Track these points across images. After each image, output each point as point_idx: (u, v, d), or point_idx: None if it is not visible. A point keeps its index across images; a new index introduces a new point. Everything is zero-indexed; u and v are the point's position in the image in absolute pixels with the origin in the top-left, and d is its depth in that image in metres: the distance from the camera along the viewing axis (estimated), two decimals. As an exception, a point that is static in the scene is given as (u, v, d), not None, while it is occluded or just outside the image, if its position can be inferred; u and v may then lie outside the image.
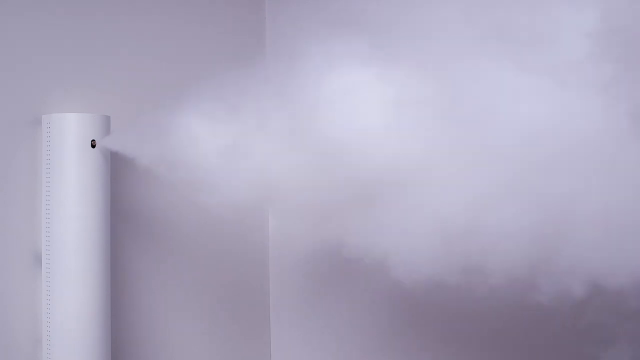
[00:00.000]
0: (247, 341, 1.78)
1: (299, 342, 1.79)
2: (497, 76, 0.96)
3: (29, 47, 1.41)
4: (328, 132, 1.09)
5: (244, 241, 1.77)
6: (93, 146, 1.36)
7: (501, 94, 0.96)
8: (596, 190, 0.91)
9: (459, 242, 1.00)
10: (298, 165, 1.12)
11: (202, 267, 1.69)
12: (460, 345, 1.59)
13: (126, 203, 1.53)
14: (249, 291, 1.79)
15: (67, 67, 1.46)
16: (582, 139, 0.91)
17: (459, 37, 1.00)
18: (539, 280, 0.97)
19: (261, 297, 1.81)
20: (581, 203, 0.92)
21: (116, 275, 1.50)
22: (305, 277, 1.77)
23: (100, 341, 1.37)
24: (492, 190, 0.96)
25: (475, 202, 0.97)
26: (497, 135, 0.95)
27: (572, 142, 0.92)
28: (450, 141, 0.99)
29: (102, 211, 1.38)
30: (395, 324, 1.67)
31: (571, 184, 0.92)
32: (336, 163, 1.09)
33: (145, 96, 1.56)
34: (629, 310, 0.98)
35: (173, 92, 1.30)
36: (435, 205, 1.01)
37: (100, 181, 1.37)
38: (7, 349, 1.38)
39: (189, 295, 1.67)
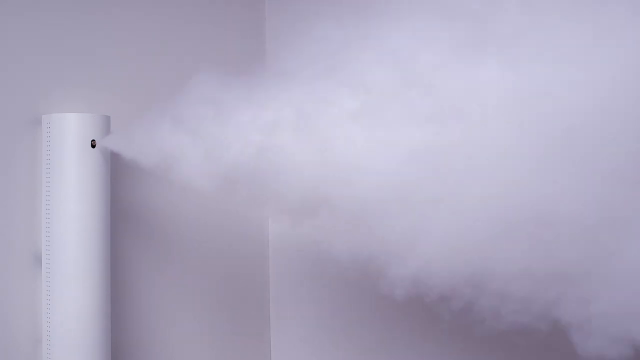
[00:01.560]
0: (247, 341, 1.78)
1: (299, 342, 1.79)
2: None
3: (29, 47, 1.41)
4: (327, 131, 1.09)
5: (244, 241, 1.77)
6: (93, 146, 1.36)
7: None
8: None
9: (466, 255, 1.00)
10: (298, 164, 1.12)
11: (202, 267, 1.69)
12: (459, 344, 1.59)
13: (126, 203, 1.53)
14: (249, 291, 1.79)
15: (67, 67, 1.46)
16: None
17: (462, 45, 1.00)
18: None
19: (261, 297, 1.81)
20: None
21: (116, 275, 1.50)
22: (305, 277, 1.77)
23: (100, 341, 1.37)
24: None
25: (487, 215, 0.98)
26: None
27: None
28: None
29: (102, 211, 1.38)
30: (395, 324, 1.66)
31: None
32: (338, 162, 1.09)
33: (145, 96, 1.56)
34: None
35: (173, 92, 1.30)
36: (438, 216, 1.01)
37: (100, 181, 1.37)
38: (7, 349, 1.38)
39: (189, 295, 1.67)
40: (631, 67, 0.90)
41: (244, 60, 1.73)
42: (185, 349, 1.66)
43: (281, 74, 1.17)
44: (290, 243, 1.75)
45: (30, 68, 1.42)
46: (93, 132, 1.37)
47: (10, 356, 1.38)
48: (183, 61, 1.64)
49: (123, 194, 1.52)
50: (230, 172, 1.19)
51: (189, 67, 1.63)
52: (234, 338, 1.75)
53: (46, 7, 1.44)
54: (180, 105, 1.26)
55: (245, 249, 1.78)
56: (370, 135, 1.05)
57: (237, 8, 1.76)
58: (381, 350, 1.69)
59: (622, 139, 0.90)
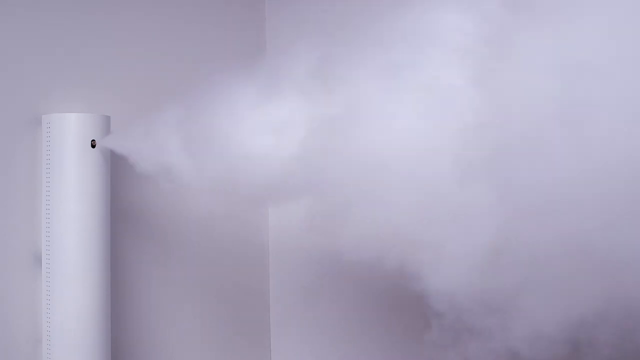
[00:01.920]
0: (247, 341, 1.78)
1: (299, 343, 1.79)
2: None
3: (30, 47, 1.41)
4: (327, 132, 1.09)
5: (244, 241, 1.77)
6: (93, 146, 1.36)
7: None
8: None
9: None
10: (297, 165, 1.12)
11: (202, 267, 1.69)
12: (457, 346, 1.59)
13: (126, 203, 1.53)
14: (249, 291, 1.79)
15: (67, 67, 1.46)
16: None
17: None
18: None
19: (261, 297, 1.81)
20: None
21: (116, 275, 1.50)
22: (305, 277, 1.77)
23: (100, 341, 1.37)
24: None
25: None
26: None
27: None
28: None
29: (102, 211, 1.38)
30: (395, 324, 1.67)
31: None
32: (336, 162, 1.08)
33: (145, 96, 1.56)
34: None
35: (173, 92, 1.30)
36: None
37: (100, 181, 1.37)
38: (7, 349, 1.38)
39: (189, 295, 1.67)
40: None
41: (244, 60, 1.73)
42: (185, 349, 1.66)
43: (281, 74, 1.17)
44: (290, 244, 1.75)
45: (30, 68, 1.42)
46: (93, 132, 1.37)
47: (10, 356, 1.38)
48: (183, 61, 1.64)
49: (123, 194, 1.52)
50: (230, 173, 1.19)
51: (188, 67, 1.63)
52: (234, 338, 1.75)
53: (46, 7, 1.44)
54: (180, 106, 1.26)
55: (245, 249, 1.78)
56: (374, 137, 1.05)
57: (237, 8, 1.76)
58: (381, 352, 1.69)
59: None
